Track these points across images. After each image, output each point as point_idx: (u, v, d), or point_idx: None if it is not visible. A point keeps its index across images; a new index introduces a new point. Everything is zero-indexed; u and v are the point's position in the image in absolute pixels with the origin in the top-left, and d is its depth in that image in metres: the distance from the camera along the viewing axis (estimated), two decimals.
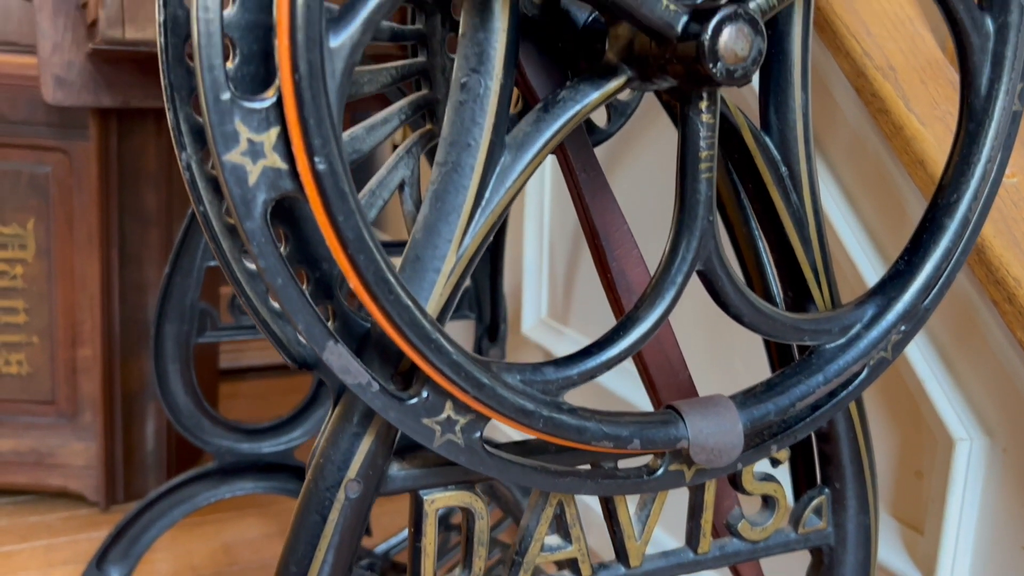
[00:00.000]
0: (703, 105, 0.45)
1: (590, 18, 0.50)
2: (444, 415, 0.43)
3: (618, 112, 0.74)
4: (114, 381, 1.45)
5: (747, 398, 0.50)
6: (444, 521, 1.24)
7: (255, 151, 0.37)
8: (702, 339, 1.03)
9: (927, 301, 0.54)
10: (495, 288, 1.30)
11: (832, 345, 0.52)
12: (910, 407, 0.76)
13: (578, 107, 0.46)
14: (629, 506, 0.52)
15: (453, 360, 0.41)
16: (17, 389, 1.46)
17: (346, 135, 0.48)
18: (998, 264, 0.64)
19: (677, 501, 0.57)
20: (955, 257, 0.54)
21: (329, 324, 0.44)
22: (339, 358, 0.41)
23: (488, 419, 0.44)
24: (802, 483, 0.61)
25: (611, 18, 0.47)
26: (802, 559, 0.61)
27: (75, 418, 1.47)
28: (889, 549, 0.81)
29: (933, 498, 0.76)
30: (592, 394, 1.24)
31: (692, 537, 0.55)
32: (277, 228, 0.43)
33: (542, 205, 1.43)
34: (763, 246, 0.57)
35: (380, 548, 1.27)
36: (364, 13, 0.37)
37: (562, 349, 1.34)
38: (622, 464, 0.50)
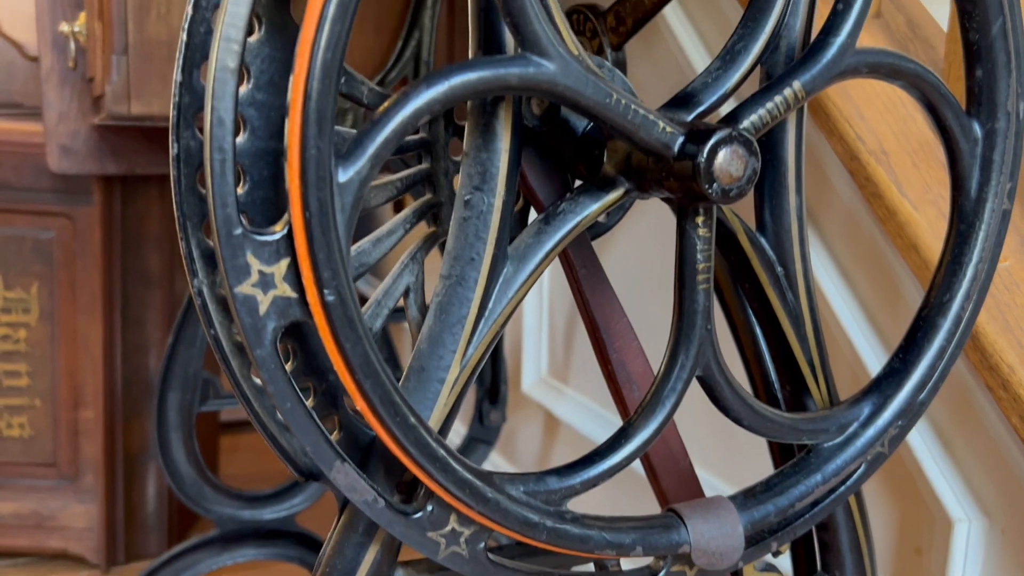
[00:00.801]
0: (699, 220, 0.46)
1: (588, 126, 0.52)
2: (448, 528, 0.44)
3: (617, 207, 0.75)
4: (116, 442, 1.45)
5: (747, 499, 0.51)
6: None
7: (266, 282, 0.38)
8: (704, 418, 1.03)
9: (923, 396, 0.55)
10: (495, 351, 1.31)
11: (830, 444, 0.52)
12: (909, 485, 0.76)
13: (578, 219, 0.48)
14: None
15: (459, 477, 0.42)
16: (19, 452, 1.46)
17: (353, 250, 0.49)
18: (992, 351, 0.65)
19: None
20: (949, 353, 0.55)
21: (334, 436, 0.45)
22: (345, 476, 0.41)
23: (492, 530, 0.45)
24: (803, 570, 0.62)
25: (609, 134, 0.48)
26: None
27: (76, 480, 1.47)
28: None
29: None
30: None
31: None
32: (284, 344, 0.44)
33: None
34: (763, 341, 0.58)
35: None
36: (371, 149, 0.38)
37: (562, 408, 1.34)
38: (625, 565, 0.51)
